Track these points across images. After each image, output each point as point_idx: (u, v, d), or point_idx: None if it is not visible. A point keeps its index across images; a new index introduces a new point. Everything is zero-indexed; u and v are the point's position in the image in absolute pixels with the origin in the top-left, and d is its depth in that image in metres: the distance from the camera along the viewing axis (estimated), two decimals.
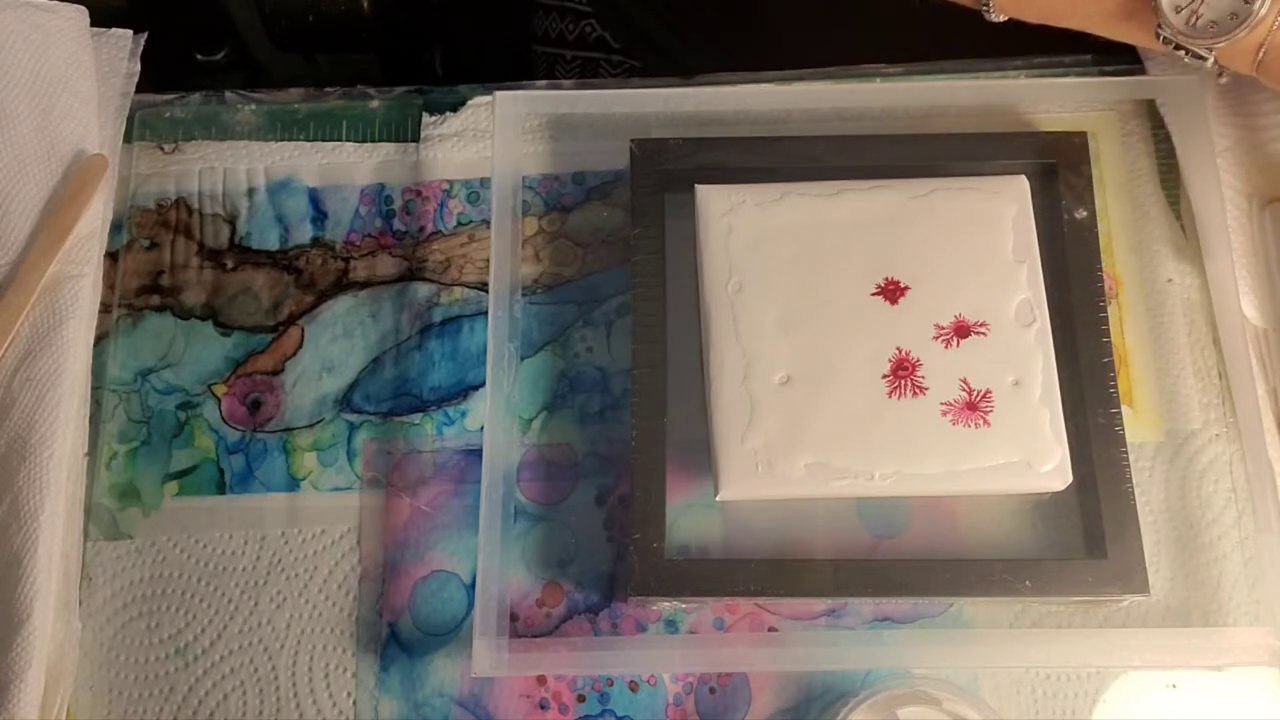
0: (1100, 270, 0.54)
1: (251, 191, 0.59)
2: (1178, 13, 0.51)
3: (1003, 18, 0.54)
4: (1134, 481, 0.50)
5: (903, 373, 0.50)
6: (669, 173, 0.55)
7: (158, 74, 0.63)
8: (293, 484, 0.54)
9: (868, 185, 0.53)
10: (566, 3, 0.80)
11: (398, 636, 0.52)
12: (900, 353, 0.51)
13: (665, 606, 0.52)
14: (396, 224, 0.59)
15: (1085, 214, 0.54)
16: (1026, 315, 0.51)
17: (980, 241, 0.52)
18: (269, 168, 0.60)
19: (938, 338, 0.51)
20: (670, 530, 0.52)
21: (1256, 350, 0.54)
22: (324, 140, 0.60)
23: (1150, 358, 0.55)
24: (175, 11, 0.88)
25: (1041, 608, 0.52)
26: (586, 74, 0.80)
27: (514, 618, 0.52)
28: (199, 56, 0.93)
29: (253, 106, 0.61)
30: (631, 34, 0.78)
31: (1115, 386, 0.52)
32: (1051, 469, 0.49)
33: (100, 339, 0.56)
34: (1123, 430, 0.51)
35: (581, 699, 0.51)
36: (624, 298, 0.56)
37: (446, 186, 0.59)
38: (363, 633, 0.52)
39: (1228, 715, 0.50)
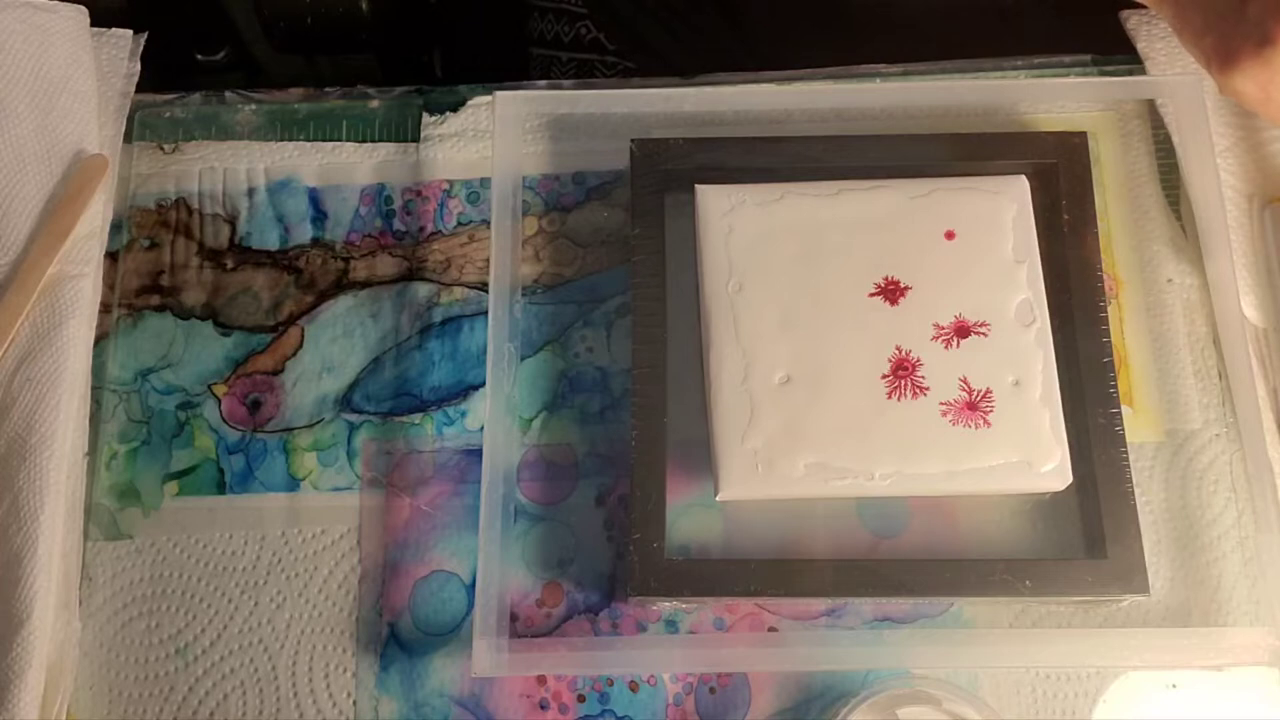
0: (1100, 270, 0.53)
1: (251, 191, 0.59)
2: None
3: None
4: (1134, 481, 0.50)
5: (903, 373, 0.50)
6: (669, 173, 0.55)
7: (158, 74, 0.63)
8: (293, 484, 0.54)
9: (868, 185, 0.53)
10: (562, 4, 0.80)
11: (398, 636, 0.52)
12: (900, 353, 0.51)
13: (665, 606, 0.52)
14: (396, 224, 0.59)
15: (1085, 214, 0.54)
16: (1026, 315, 0.51)
17: (980, 241, 0.52)
18: (269, 168, 0.60)
19: (937, 338, 0.51)
20: (670, 530, 0.52)
21: (1256, 350, 0.54)
22: (324, 140, 0.60)
23: (1150, 358, 0.55)
24: (175, 11, 0.88)
25: (1041, 608, 0.51)
26: (582, 75, 0.80)
27: (514, 618, 0.52)
28: (199, 56, 0.93)
29: (253, 106, 0.61)
30: (626, 36, 0.78)
31: (1115, 386, 0.51)
32: (1051, 469, 0.49)
33: (100, 339, 0.56)
34: (1123, 430, 0.51)
35: (581, 699, 0.51)
36: (624, 298, 0.56)
37: (446, 186, 0.59)
38: (363, 633, 0.52)
39: (1228, 715, 0.50)
